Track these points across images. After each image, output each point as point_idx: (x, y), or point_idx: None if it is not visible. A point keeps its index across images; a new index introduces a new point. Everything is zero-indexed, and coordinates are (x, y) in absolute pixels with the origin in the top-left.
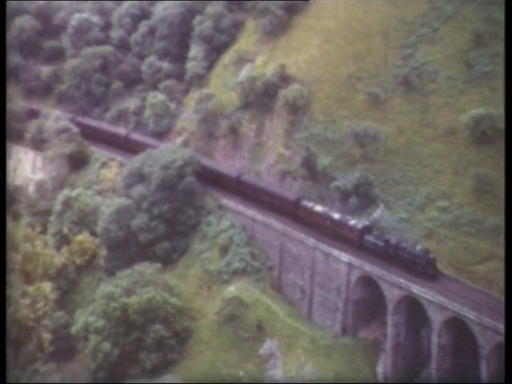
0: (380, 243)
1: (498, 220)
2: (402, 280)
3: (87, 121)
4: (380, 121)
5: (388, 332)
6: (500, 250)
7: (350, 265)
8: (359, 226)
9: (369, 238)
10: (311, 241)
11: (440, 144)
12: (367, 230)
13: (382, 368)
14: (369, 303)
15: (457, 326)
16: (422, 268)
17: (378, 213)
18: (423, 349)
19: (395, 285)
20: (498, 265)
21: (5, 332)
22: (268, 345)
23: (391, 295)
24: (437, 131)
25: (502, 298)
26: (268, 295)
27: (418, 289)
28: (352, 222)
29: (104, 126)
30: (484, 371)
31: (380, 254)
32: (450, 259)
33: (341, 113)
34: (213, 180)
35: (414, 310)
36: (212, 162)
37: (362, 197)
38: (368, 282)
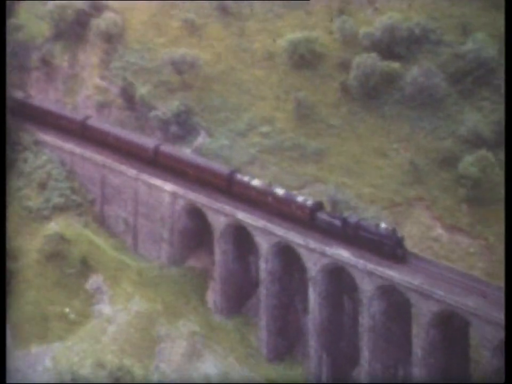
0: (337, 222)
1: (320, 143)
2: (227, 207)
3: None
4: (197, 48)
5: (215, 260)
6: (323, 174)
7: (173, 195)
8: (309, 203)
9: (323, 216)
10: (133, 172)
11: (259, 70)
12: (318, 207)
13: (212, 296)
14: (196, 231)
15: (284, 251)
16: (390, 249)
17: (199, 140)
18: (252, 276)
19: (220, 212)
20: (322, 188)
21: (4, 332)
22: (94, 280)
23: (217, 222)
24: (256, 56)
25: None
26: (91, 229)
27: (243, 216)
28: (300, 198)
29: None
30: (312, 293)
31: (337, 235)
32: (274, 184)
33: (157, 41)
34: (125, 151)
35: (241, 237)
36: (119, 130)
37: (183, 125)
38: (193, 211)
